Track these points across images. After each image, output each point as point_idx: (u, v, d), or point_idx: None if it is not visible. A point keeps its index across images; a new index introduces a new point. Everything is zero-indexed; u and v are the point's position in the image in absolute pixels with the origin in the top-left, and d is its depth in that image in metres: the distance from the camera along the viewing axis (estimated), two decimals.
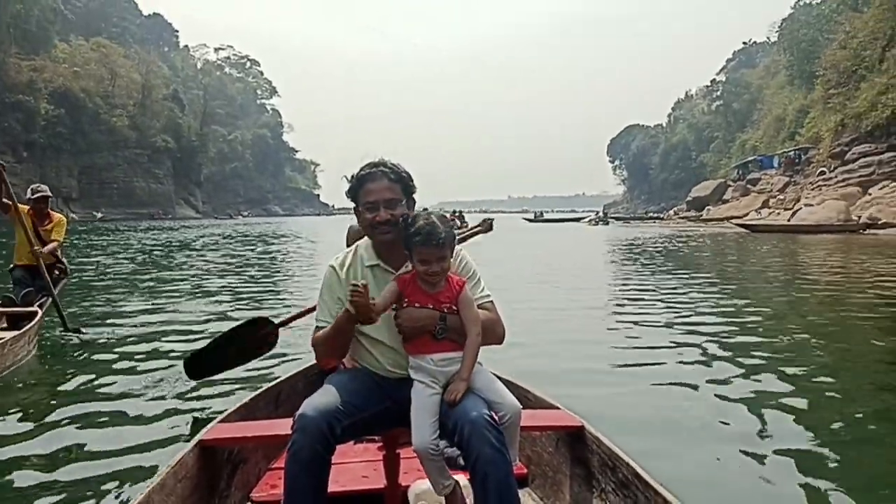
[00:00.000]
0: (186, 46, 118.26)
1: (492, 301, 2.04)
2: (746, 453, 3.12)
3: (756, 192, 53.27)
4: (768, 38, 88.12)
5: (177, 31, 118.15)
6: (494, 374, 2.02)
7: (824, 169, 42.44)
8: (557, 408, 2.43)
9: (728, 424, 3.58)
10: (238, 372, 4.20)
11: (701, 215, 53.09)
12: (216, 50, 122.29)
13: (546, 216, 68.16)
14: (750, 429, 3.51)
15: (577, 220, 57.61)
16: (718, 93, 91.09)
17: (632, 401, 4.02)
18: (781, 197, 47.10)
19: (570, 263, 15.53)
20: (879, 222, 24.47)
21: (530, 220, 61.46)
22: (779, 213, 36.53)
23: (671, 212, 69.37)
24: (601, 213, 63.15)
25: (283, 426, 1.96)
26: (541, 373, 4.20)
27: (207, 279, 11.70)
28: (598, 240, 27.20)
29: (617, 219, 62.77)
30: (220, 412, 2.61)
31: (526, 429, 2.04)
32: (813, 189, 40.94)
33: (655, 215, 68.36)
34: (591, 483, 2.15)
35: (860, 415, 3.81)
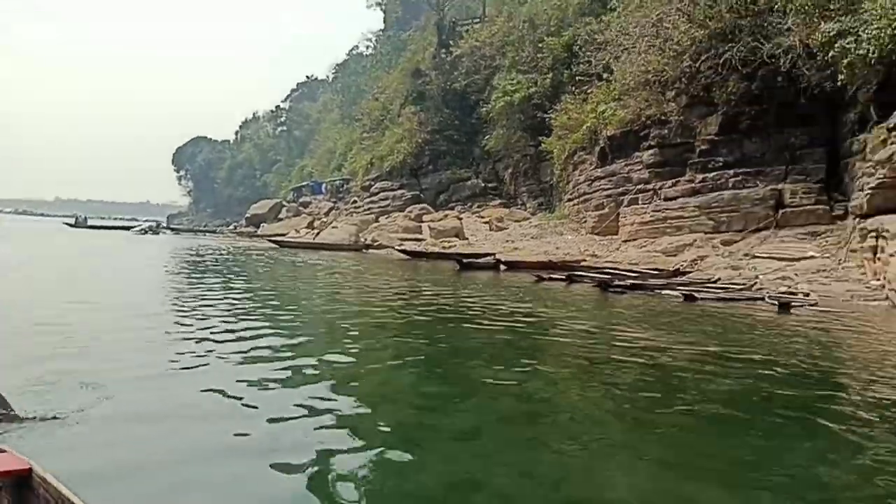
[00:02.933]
0: None
1: None
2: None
3: (306, 214, 58.49)
4: (328, 76, 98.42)
5: None
6: None
7: (356, 198, 49.63)
8: (3, 451, 2.15)
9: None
10: None
11: (256, 231, 55.56)
12: None
13: (91, 222, 61.40)
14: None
15: (127, 228, 53.67)
16: (283, 119, 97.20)
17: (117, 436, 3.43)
18: (326, 220, 52.98)
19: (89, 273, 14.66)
20: (376, 244, 30.26)
21: (72, 226, 54.73)
22: (317, 233, 41.14)
23: (231, 227, 70.63)
24: (154, 224, 60.28)
25: None
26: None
27: None
28: (135, 249, 26.14)
29: (172, 230, 60.74)
30: None
31: None
32: (347, 214, 47.34)
33: (209, 229, 68.63)
34: None
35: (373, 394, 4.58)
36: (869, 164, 13.96)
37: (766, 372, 5.51)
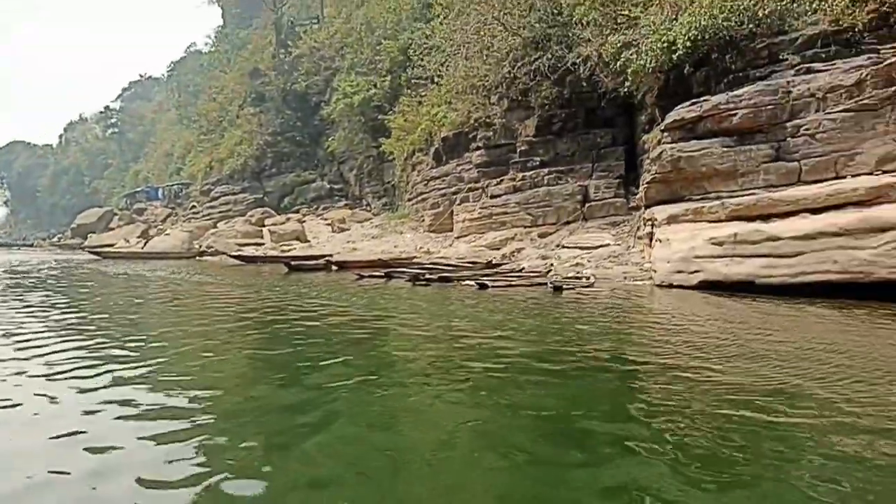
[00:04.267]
0: None
1: None
2: None
3: (141, 222, 54.77)
4: (164, 75, 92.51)
5: None
6: None
7: (196, 204, 47.34)
8: None
9: None
10: None
11: (83, 243, 51.10)
12: None
13: None
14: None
15: None
16: (113, 120, 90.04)
17: None
18: (163, 227, 50.02)
19: None
20: (211, 250, 29.21)
21: None
22: (145, 242, 38.78)
23: (55, 238, 64.37)
24: None
25: None
26: None
27: None
28: None
29: None
30: None
31: None
32: (185, 221, 45.02)
33: (26, 242, 62.21)
34: None
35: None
36: (648, 161, 15.84)
37: (520, 336, 6.28)
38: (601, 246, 17.14)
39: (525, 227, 21.53)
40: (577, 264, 15.30)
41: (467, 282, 12.68)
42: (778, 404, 3.99)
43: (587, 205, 20.67)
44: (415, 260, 20.59)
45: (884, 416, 3.81)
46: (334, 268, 19.24)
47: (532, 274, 14.11)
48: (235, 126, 44.93)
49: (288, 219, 34.49)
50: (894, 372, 4.91)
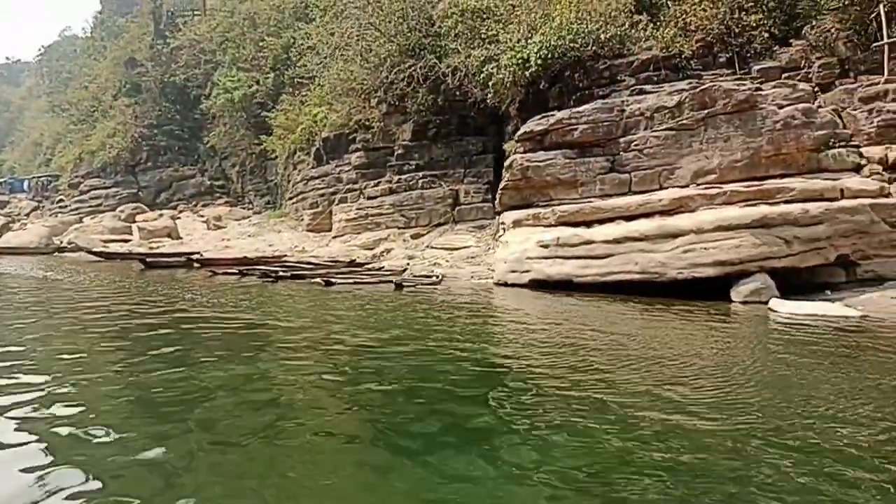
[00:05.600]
0: None
1: None
2: None
3: (3, 216, 50.55)
4: (35, 59, 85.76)
5: None
6: None
7: (63, 197, 44.40)
8: None
9: None
10: None
11: None
12: None
13: None
14: None
15: None
16: None
17: None
18: (26, 221, 46.46)
19: None
20: (72, 246, 27.67)
21: None
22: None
23: None
24: None
25: None
26: None
27: None
28: None
29: None
30: None
31: None
32: (52, 215, 42.14)
33: None
34: None
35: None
36: (504, 169, 16.87)
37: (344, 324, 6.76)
38: (464, 247, 18.01)
39: (399, 228, 22.09)
40: (434, 264, 16.06)
41: (317, 279, 13.07)
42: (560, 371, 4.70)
43: (457, 208, 21.53)
44: (284, 258, 20.62)
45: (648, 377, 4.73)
46: (196, 265, 18.93)
47: (387, 273, 14.69)
48: (109, 117, 42.50)
49: (161, 215, 33.18)
50: (655, 347, 5.85)
